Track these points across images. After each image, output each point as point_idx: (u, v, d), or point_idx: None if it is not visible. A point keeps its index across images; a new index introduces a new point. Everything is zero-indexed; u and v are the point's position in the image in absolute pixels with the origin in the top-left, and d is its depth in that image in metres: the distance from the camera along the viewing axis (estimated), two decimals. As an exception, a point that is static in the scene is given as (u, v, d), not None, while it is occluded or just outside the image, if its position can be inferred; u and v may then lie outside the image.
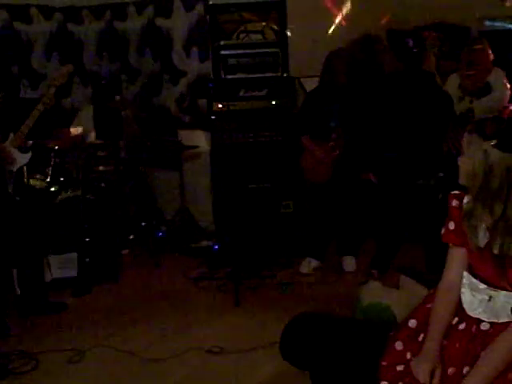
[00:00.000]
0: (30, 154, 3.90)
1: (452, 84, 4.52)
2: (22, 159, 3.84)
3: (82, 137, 5.13)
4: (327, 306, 3.74)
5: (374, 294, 3.02)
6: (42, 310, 3.98)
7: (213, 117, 5.00)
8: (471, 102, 4.26)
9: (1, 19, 5.42)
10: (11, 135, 3.75)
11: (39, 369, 3.29)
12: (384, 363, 2.05)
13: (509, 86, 4.50)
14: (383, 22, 5.69)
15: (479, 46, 4.36)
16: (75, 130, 5.25)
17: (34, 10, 5.62)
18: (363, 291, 3.12)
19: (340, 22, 5.53)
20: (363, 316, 2.92)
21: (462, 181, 2.04)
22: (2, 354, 3.40)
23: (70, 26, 5.84)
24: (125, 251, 5.01)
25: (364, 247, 4.76)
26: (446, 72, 4.99)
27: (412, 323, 2.14)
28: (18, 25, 5.53)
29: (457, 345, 1.98)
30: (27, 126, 3.73)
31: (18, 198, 3.79)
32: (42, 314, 3.96)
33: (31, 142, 4.61)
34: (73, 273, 4.46)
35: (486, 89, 4.31)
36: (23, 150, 3.83)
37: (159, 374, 3.21)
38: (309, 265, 4.62)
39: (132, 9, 5.77)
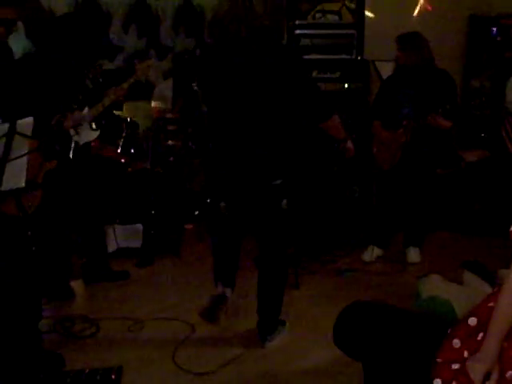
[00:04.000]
0: (98, 133, 3.94)
1: None
2: (89, 135, 3.88)
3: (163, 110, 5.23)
4: (387, 297, 3.68)
5: (434, 287, 2.94)
6: (104, 278, 4.09)
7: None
8: None
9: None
10: (86, 109, 3.79)
11: (99, 334, 3.40)
12: (439, 360, 1.99)
13: None
14: (466, 7, 5.50)
15: None
16: (157, 104, 5.35)
17: (115, -18, 5.71)
18: (423, 284, 3.04)
19: (422, 7, 5.37)
20: (422, 309, 2.85)
21: None
22: (65, 317, 3.52)
23: (149, 0, 5.89)
24: (188, 226, 5.07)
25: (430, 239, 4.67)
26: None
27: (472, 321, 2.06)
28: (99, -4, 5.63)
29: (517, 348, 1.90)
30: (102, 105, 3.77)
31: (80, 168, 3.85)
32: (105, 281, 4.06)
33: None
34: (137, 244, 4.56)
35: None
36: (93, 127, 3.88)
37: (217, 347, 3.26)
38: (372, 253, 4.56)
39: (205, -14, 5.78)
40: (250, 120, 2.94)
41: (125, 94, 3.88)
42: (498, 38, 5.64)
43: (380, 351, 2.19)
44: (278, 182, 3.02)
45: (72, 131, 3.76)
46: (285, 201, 3.07)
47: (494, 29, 5.65)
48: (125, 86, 3.86)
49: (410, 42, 4.32)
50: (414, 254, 4.54)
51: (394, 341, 2.17)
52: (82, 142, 3.81)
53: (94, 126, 3.87)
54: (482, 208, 5.09)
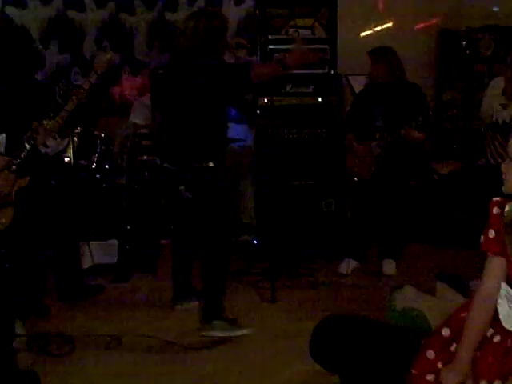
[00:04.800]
0: (67, 140, 3.91)
1: (494, 89, 4.32)
2: (59, 144, 3.85)
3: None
4: (363, 309, 3.70)
5: (408, 299, 2.96)
6: (79, 294, 4.05)
7: (258, 111, 5.00)
8: None
9: (55, 7, 5.52)
10: (49, 121, 3.73)
11: (76, 352, 3.34)
12: (414, 371, 2.02)
13: None
14: (435, 21, 5.60)
15: None
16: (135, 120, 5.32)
17: (87, -1, 5.72)
18: (397, 296, 3.06)
19: (391, 21, 5.46)
20: (396, 321, 2.87)
21: (508, 189, 1.98)
22: (41, 334, 3.47)
23: (122, 16, 5.90)
24: (164, 241, 5.05)
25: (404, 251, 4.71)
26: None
27: (445, 332, 2.09)
28: (71, 13, 5.62)
29: (490, 358, 1.93)
30: (66, 111, 3.70)
31: (53, 182, 3.81)
32: (80, 298, 4.03)
33: (80, 128, 4.71)
34: (112, 259, 4.54)
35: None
36: (62, 135, 3.85)
37: (194, 362, 3.24)
38: (348, 265, 4.57)
39: (183, 1, 5.80)
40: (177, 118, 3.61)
41: (86, 94, 3.78)
42: (468, 52, 5.75)
43: (356, 363, 2.21)
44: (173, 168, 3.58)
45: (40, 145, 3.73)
46: (182, 187, 3.51)
47: (464, 42, 5.76)
48: (85, 86, 3.76)
49: (381, 57, 4.40)
50: (389, 267, 4.57)
51: (370, 353, 2.19)
52: (52, 153, 3.78)
53: (62, 135, 3.84)
54: (455, 219, 5.15)
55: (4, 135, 2.70)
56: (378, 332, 2.25)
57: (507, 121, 4.10)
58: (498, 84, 4.29)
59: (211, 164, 3.53)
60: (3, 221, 3.27)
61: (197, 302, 3.96)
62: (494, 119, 4.22)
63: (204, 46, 3.50)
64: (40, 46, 5.34)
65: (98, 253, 4.50)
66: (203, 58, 3.50)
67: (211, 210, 3.55)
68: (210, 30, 3.51)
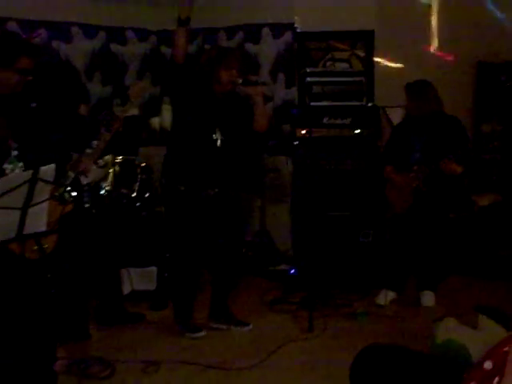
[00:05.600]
0: (105, 170, 3.99)
1: None
2: (98, 174, 3.93)
3: None
4: (402, 341, 3.67)
5: (449, 330, 2.94)
6: (120, 320, 4.10)
7: (296, 142, 5.05)
8: None
9: (99, 41, 5.69)
10: (87, 150, 3.81)
11: (115, 376, 3.39)
12: (456, 404, 2.00)
13: None
14: (474, 53, 5.61)
15: None
16: None
17: (129, 33, 5.89)
18: (438, 328, 3.04)
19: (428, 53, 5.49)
20: (438, 352, 2.85)
21: None
22: (81, 358, 3.52)
23: (163, 49, 6.05)
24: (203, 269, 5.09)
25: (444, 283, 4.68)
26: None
27: (487, 365, 2.06)
28: (114, 46, 5.79)
29: (534, 392, 1.90)
30: (104, 141, 3.76)
31: (94, 211, 3.89)
32: (120, 324, 4.08)
33: (121, 157, 4.81)
34: (151, 286, 4.59)
35: None
36: (100, 165, 3.93)
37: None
38: (386, 296, 4.54)
39: (223, 34, 5.92)
40: None
41: (121, 123, 3.82)
42: (507, 84, 5.74)
43: (396, 395, 2.20)
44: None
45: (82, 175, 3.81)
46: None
47: (502, 75, 5.75)
48: (120, 115, 3.82)
49: (418, 92, 4.41)
50: (428, 298, 4.54)
51: (410, 384, 2.18)
52: (92, 183, 3.86)
53: (101, 164, 3.91)
54: (496, 251, 5.09)
55: (54, 165, 2.78)
56: (419, 363, 2.24)
57: None
58: None
59: (182, 188, 3.86)
60: (47, 246, 3.34)
61: (229, 326, 4.05)
62: None
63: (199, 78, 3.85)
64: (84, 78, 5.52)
65: (137, 279, 4.56)
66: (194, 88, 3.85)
67: (175, 233, 4.05)
68: (202, 63, 3.85)
